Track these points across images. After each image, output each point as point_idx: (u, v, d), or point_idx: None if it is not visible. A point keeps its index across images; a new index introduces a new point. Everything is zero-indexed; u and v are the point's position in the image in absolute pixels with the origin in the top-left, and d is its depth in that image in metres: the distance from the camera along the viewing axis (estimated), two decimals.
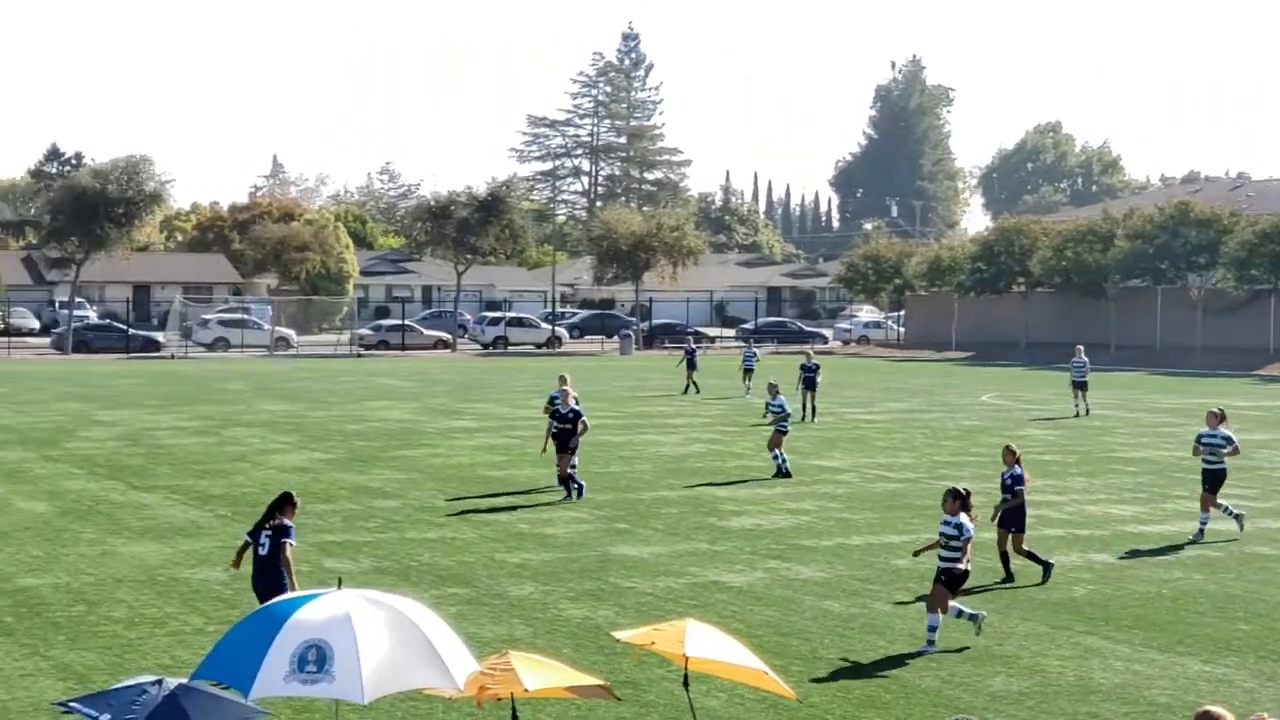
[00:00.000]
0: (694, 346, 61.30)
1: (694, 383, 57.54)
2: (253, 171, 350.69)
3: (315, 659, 9.45)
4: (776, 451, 33.49)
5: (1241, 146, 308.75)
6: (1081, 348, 52.37)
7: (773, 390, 35.10)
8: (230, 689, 10.15)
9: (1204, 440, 26.44)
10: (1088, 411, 48.89)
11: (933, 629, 17.92)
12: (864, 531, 26.20)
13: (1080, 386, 49.70)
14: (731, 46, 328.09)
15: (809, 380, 47.07)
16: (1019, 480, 22.62)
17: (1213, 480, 26.06)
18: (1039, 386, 64.18)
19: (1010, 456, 23.05)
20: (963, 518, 18.29)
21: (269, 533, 16.52)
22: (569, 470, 29.40)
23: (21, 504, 28.10)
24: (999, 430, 44.17)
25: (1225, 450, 26.17)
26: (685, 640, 12.15)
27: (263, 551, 16.50)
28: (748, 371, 56.45)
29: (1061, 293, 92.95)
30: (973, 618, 18.24)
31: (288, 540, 16.45)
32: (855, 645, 18.06)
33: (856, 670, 16.89)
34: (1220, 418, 26.96)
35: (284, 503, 16.73)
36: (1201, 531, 25.79)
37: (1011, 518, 22.41)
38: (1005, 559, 22.16)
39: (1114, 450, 38.92)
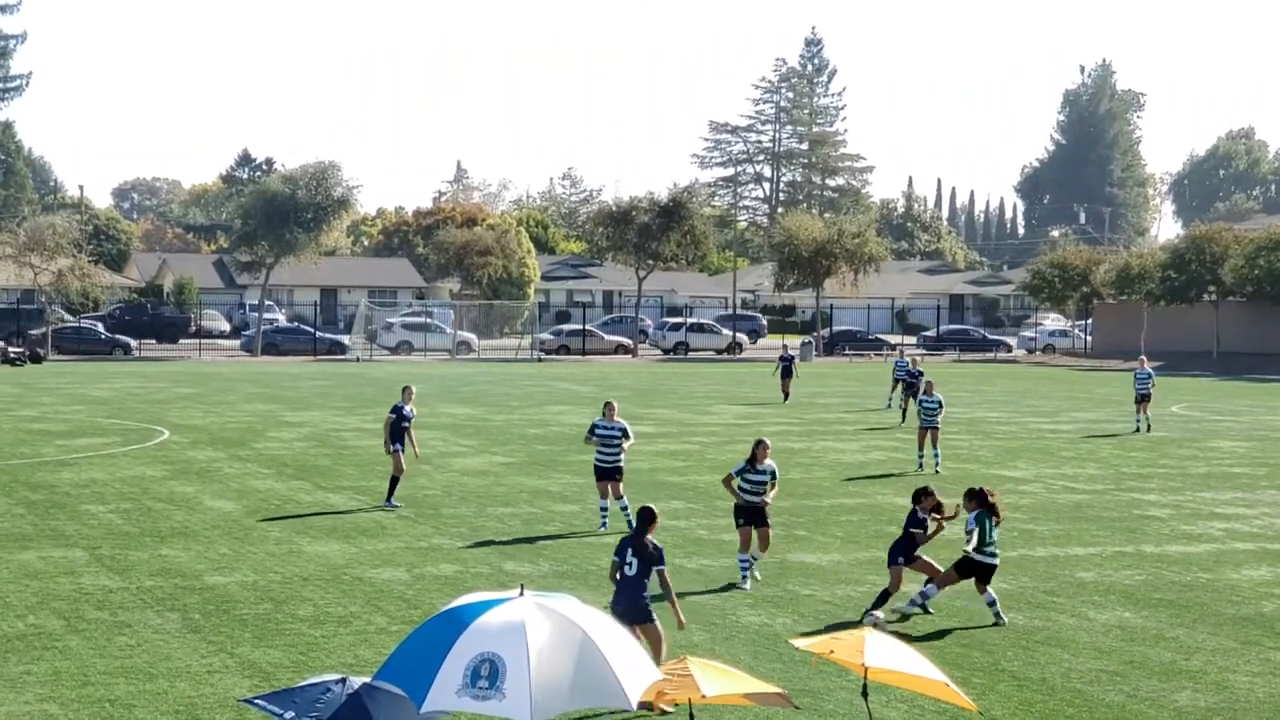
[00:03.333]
0: (790, 354, 58.46)
1: (787, 392, 55.86)
2: (437, 177, 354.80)
3: (488, 674, 9.45)
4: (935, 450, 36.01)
5: None
6: (1145, 358, 49.70)
7: (929, 388, 37.13)
8: None
9: None
10: (1149, 428, 45.66)
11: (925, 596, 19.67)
12: (1048, 543, 25.79)
13: (1144, 399, 46.14)
14: (916, 51, 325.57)
15: (911, 386, 46.91)
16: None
17: None
18: (1230, 397, 62.76)
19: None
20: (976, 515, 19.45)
21: (633, 551, 15.75)
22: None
23: (211, 503, 28.71)
24: (1188, 442, 43.27)
25: None
26: (864, 649, 12.06)
27: (630, 572, 15.74)
28: (898, 383, 52.86)
29: (1253, 302, 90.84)
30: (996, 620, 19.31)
31: (662, 568, 15.72)
32: (1038, 658, 17.78)
33: (1039, 684, 16.63)
34: None
35: (647, 520, 15.98)
36: None
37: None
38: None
39: None
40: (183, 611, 19.46)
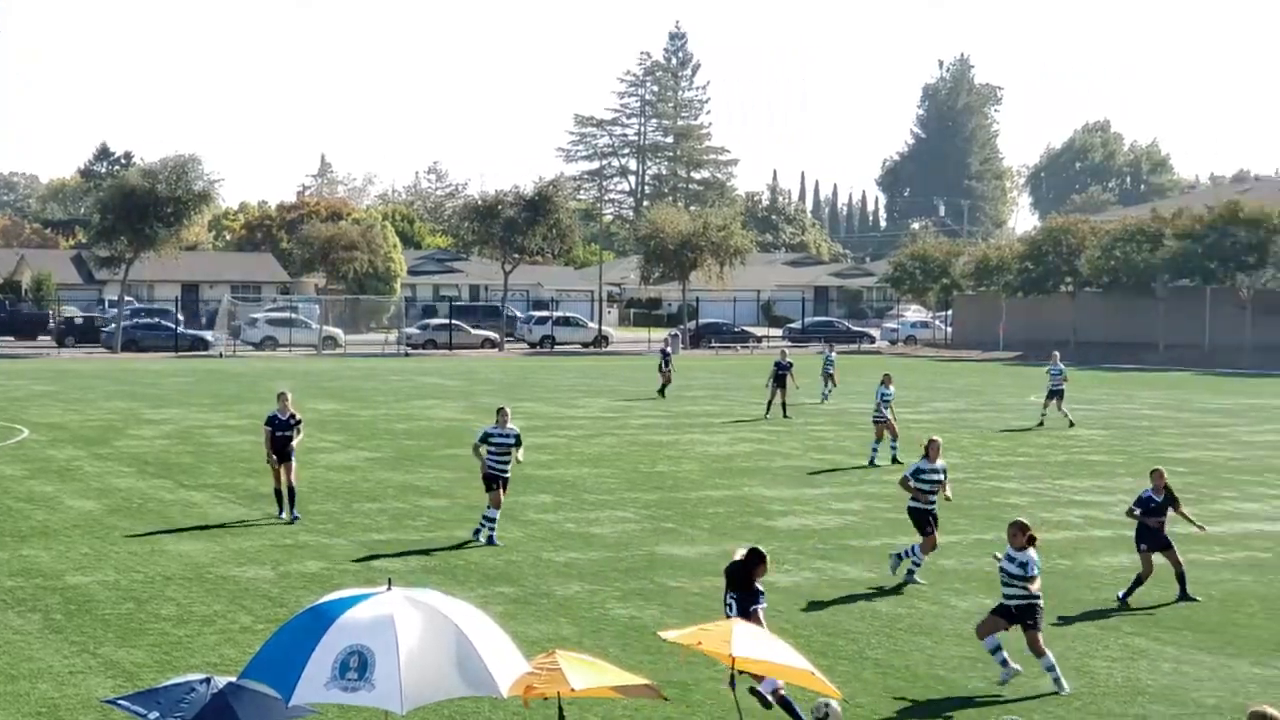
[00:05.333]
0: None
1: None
2: (300, 171, 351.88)
3: (357, 666, 9.43)
4: (876, 445, 36.14)
5: None
6: (1058, 354, 48.86)
7: (886, 381, 37.44)
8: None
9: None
10: (1071, 423, 45.06)
11: (995, 651, 16.61)
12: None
13: (1056, 395, 45.56)
14: (778, 46, 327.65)
15: (780, 377, 46.98)
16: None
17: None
18: (1087, 387, 63.82)
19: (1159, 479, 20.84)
20: (1030, 553, 16.56)
21: (734, 596, 14.88)
22: (292, 483, 26.56)
23: (71, 502, 28.29)
24: (1046, 431, 43.97)
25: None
26: (732, 640, 12.15)
27: (730, 614, 14.71)
28: (829, 377, 53.60)
29: (1110, 293, 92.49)
30: (1004, 664, 16.53)
31: (758, 607, 14.80)
32: (902, 645, 18.02)
33: (903, 671, 16.85)
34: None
35: (755, 562, 14.98)
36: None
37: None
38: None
39: (1162, 450, 38.67)
40: (44, 612, 19.18)
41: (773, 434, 42.17)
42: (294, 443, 26.50)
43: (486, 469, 24.77)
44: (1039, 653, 16.29)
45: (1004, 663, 16.42)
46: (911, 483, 22.16)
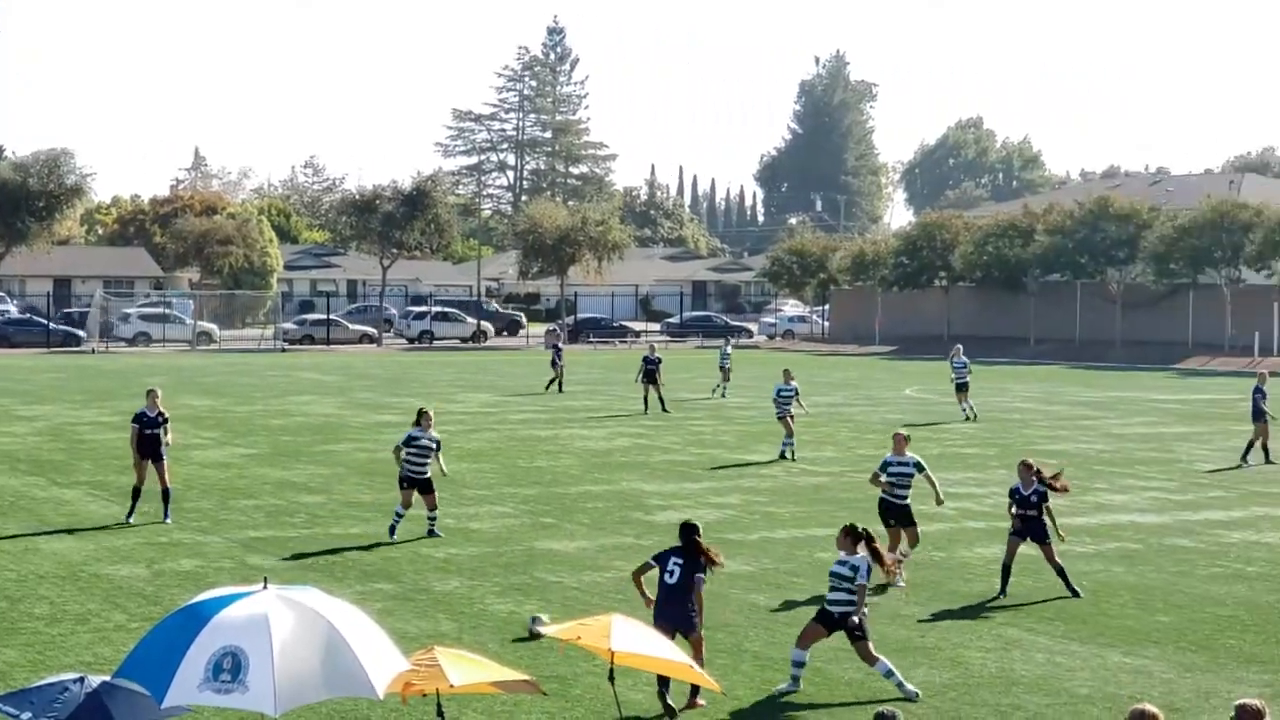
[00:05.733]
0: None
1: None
2: (174, 165, 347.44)
3: (230, 667, 9.35)
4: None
5: (1160, 142, 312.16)
6: (960, 347, 49.32)
7: (786, 376, 37.79)
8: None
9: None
10: (975, 416, 45.57)
11: (798, 665, 16.24)
12: (789, 525, 26.33)
13: (962, 389, 46.27)
14: (657, 41, 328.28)
15: (650, 374, 47.26)
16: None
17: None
18: None
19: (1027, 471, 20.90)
20: (862, 557, 16.19)
21: (679, 561, 15.61)
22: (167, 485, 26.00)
23: None
24: (921, 423, 44.46)
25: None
26: (611, 634, 12.21)
27: (671, 580, 15.56)
28: (724, 371, 54.11)
29: (982, 287, 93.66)
30: (795, 680, 16.13)
31: (701, 577, 15.66)
32: (779, 638, 18.15)
33: (781, 663, 16.97)
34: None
35: (694, 532, 15.85)
36: None
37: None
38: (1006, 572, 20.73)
39: (1034, 443, 39.24)
40: None
41: (652, 429, 42.30)
42: (164, 442, 25.99)
43: (404, 471, 24.41)
44: (871, 661, 16.01)
45: (796, 679, 16.09)
46: (882, 477, 22.12)
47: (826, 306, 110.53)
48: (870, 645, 16.07)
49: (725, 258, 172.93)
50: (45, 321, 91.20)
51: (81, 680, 9.94)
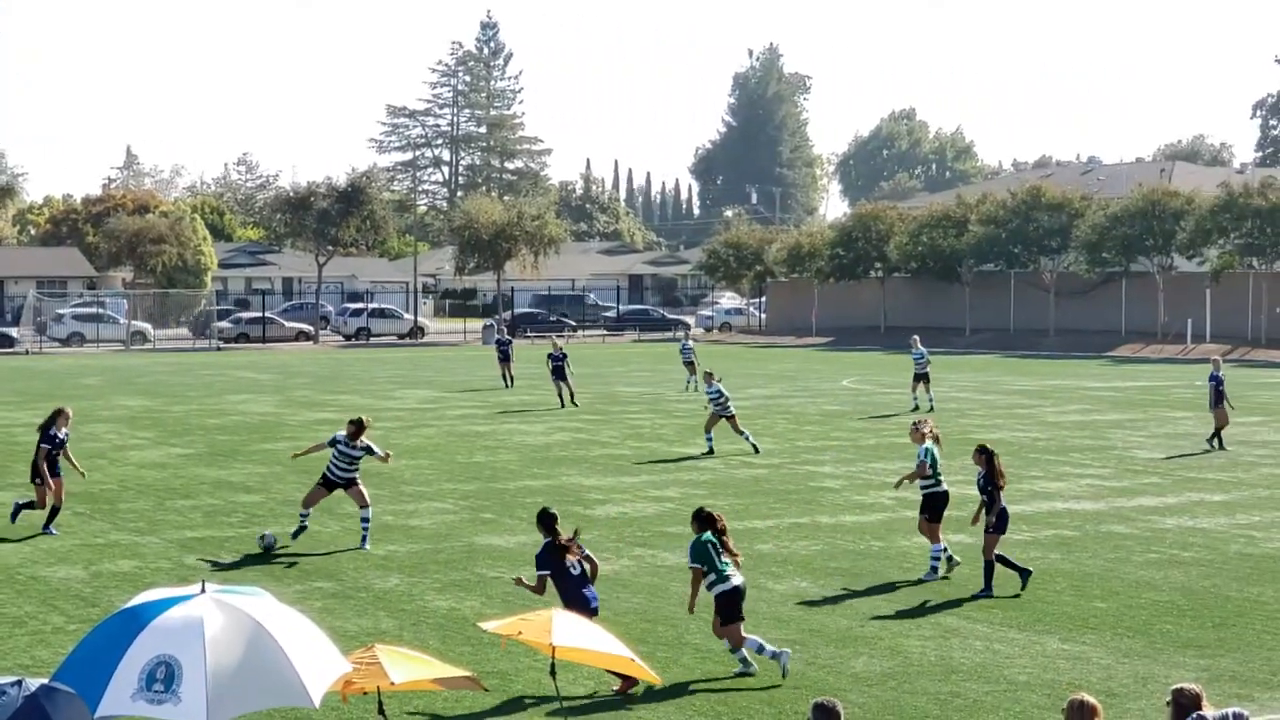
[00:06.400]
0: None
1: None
2: (106, 163, 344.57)
3: (164, 677, 9.30)
4: (711, 434, 35.65)
5: (1091, 131, 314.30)
6: (918, 337, 49.36)
7: (709, 378, 36.97)
8: None
9: None
10: (931, 407, 44.97)
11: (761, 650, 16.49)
12: (728, 517, 26.27)
13: (922, 379, 46.40)
14: (590, 34, 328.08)
15: (558, 369, 47.47)
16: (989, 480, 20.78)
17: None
18: (898, 371, 64.88)
19: (980, 456, 21.12)
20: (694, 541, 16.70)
21: (579, 559, 16.30)
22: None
23: None
24: (859, 415, 44.65)
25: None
26: (552, 629, 12.22)
27: (575, 572, 16.24)
28: (690, 365, 53.80)
29: (918, 278, 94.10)
30: (775, 656, 16.40)
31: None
32: None
33: (721, 655, 17.02)
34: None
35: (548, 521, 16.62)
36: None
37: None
38: (990, 568, 20.45)
39: (970, 432, 39.44)
40: None
41: (590, 423, 42.31)
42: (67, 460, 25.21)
43: (327, 472, 23.83)
44: (720, 635, 16.61)
45: (775, 655, 16.39)
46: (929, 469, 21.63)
47: (763, 299, 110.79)
48: (728, 627, 16.42)
49: (662, 251, 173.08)
50: None
51: (19, 683, 9.84)
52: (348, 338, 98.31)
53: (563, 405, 46.74)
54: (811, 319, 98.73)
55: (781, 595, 20.06)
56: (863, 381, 58.81)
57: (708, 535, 16.60)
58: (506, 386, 54.31)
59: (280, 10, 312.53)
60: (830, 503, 28.00)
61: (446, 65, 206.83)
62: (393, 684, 10.91)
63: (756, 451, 34.85)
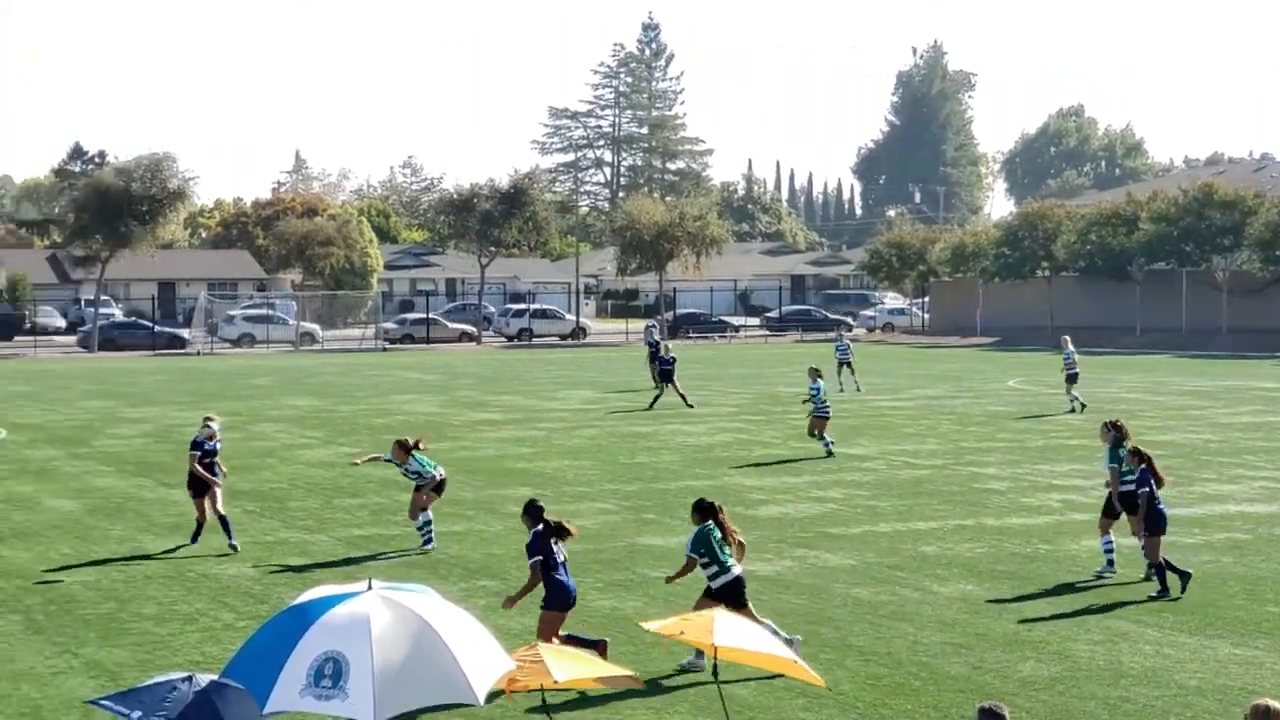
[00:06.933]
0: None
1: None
2: (275, 167, 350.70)
3: (331, 673, 9.39)
4: (823, 436, 34.84)
5: (1264, 127, 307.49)
6: (1068, 337, 48.43)
7: (813, 374, 36.13)
8: None
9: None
10: (1083, 406, 44.70)
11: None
12: (891, 519, 26.16)
13: (1072, 380, 45.57)
14: (752, 34, 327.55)
15: (666, 373, 47.53)
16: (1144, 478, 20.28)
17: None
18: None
19: (1132, 456, 20.60)
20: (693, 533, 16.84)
21: (560, 542, 16.69)
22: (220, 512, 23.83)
23: (50, 502, 28.21)
24: (1025, 415, 44.08)
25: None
26: (714, 630, 12.17)
27: (560, 559, 16.70)
28: (842, 364, 53.10)
29: (1086, 277, 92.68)
30: (788, 642, 16.14)
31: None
32: (884, 632, 18.04)
33: (885, 657, 16.87)
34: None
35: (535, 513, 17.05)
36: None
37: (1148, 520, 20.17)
38: (1159, 570, 20.05)
39: (1141, 434, 38.60)
40: (25, 613, 19.13)
41: (752, 423, 42.21)
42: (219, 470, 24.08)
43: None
44: None
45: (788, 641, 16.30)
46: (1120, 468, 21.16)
47: (927, 299, 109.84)
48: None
49: (823, 251, 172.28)
50: (150, 324, 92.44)
51: (190, 679, 10.00)
52: (510, 338, 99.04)
53: (687, 404, 46.51)
54: (976, 319, 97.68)
55: (946, 598, 19.82)
56: (1028, 382, 58.03)
57: (710, 526, 16.71)
58: (656, 386, 54.33)
59: (443, 15, 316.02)
60: (995, 505, 27.63)
61: (608, 67, 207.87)
62: (556, 682, 10.94)
63: (830, 455, 34.21)
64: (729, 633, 12.24)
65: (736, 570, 16.65)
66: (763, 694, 15.36)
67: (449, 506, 27.25)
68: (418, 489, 23.85)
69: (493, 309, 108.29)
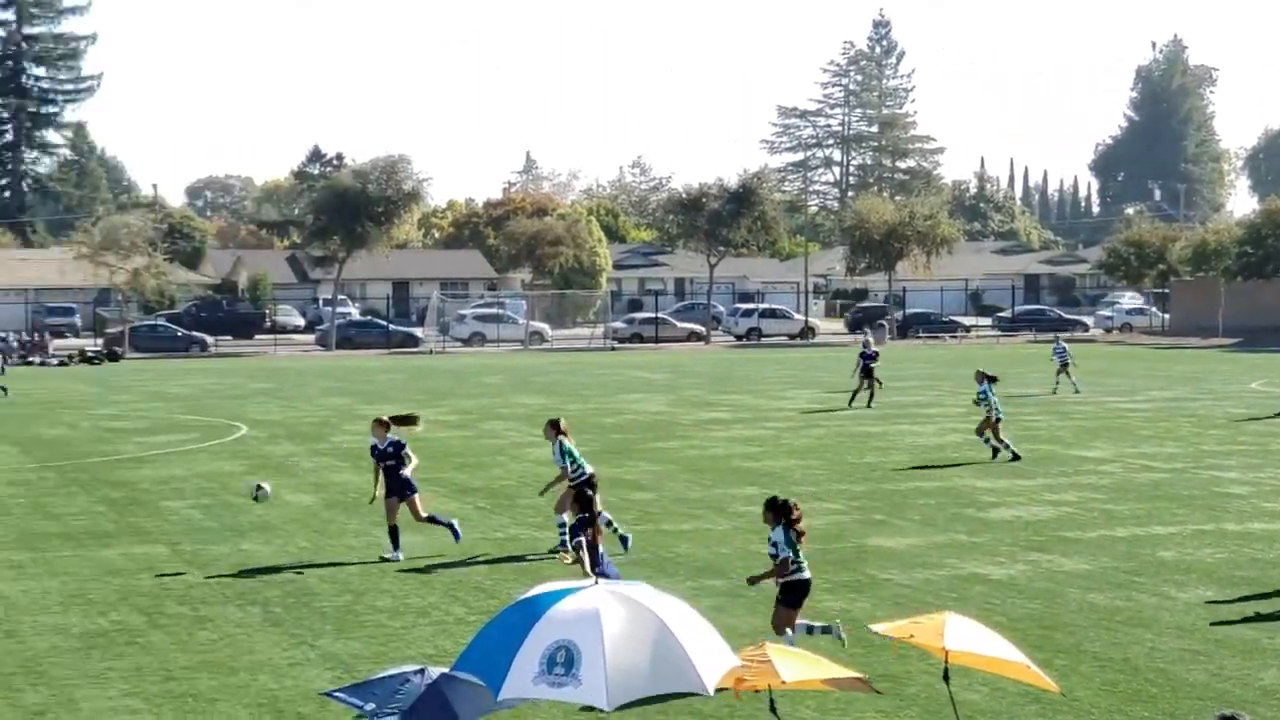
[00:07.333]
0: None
1: (872, 394, 47.73)
2: (506, 168, 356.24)
3: (564, 660, 9.43)
4: (1003, 439, 33.81)
5: None
6: None
7: (981, 378, 34.72)
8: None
9: None
10: None
11: (810, 631, 16.89)
12: (1129, 523, 25.55)
13: None
14: (984, 30, 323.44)
15: (867, 369, 47.48)
16: None
17: None
18: None
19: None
20: (777, 532, 16.24)
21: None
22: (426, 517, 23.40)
23: (289, 496, 28.87)
24: (1269, 418, 42.79)
25: None
26: (945, 633, 11.96)
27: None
28: (1064, 366, 51.67)
29: None
30: (825, 630, 16.82)
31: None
32: (1121, 638, 17.61)
33: (1122, 664, 16.47)
34: None
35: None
36: None
37: None
38: None
39: None
40: (263, 605, 19.57)
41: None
42: (405, 472, 23.20)
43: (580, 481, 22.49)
44: (779, 630, 16.26)
45: (825, 629, 16.79)
46: None
47: (1166, 298, 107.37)
48: (784, 613, 16.29)
49: (1058, 250, 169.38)
50: (385, 323, 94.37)
51: (422, 671, 10.13)
52: (739, 338, 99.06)
53: (869, 405, 46.27)
54: (1218, 319, 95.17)
55: (1185, 604, 19.27)
56: (1272, 384, 56.33)
57: (785, 527, 16.28)
58: (866, 386, 53.87)
59: (673, 16, 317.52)
60: (1237, 509, 26.84)
61: (838, 65, 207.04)
62: (783, 682, 10.85)
63: (1008, 458, 33.25)
64: (960, 636, 12.02)
65: (808, 573, 16.51)
66: (995, 699, 15.08)
67: (676, 505, 27.30)
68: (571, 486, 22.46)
69: (721, 308, 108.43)
